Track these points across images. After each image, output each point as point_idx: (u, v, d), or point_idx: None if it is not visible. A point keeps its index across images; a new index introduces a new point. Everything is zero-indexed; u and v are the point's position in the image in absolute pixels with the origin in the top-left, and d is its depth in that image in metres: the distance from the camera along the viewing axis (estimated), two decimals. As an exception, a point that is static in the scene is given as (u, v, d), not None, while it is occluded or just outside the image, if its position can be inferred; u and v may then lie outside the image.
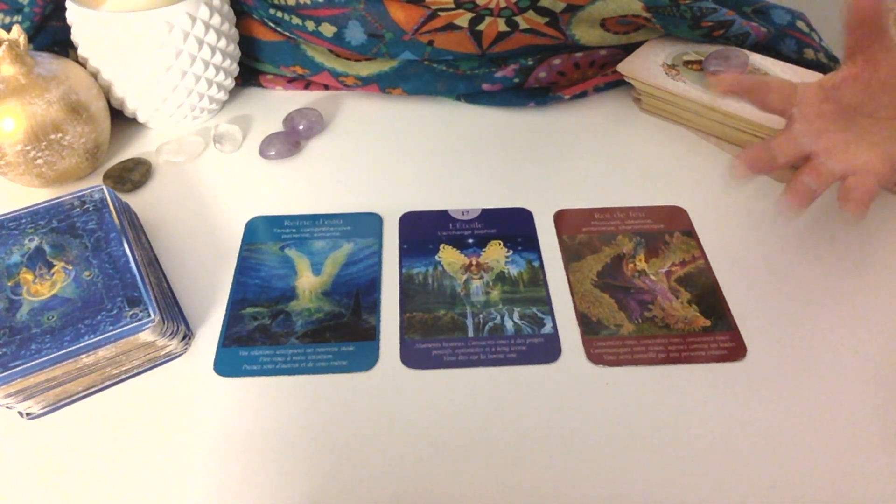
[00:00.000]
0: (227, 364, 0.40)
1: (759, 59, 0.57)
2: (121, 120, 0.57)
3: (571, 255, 0.46)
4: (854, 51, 0.41)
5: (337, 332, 0.41)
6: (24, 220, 0.42)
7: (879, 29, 0.40)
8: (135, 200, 0.51)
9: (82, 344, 0.36)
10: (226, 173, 0.53)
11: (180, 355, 0.41)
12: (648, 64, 0.57)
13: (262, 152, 0.54)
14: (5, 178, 0.49)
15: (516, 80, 0.58)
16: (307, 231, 0.48)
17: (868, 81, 0.41)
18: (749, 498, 0.34)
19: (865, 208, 0.40)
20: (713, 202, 0.50)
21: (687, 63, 0.57)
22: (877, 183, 0.40)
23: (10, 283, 0.39)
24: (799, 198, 0.41)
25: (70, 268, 0.40)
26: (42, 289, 0.39)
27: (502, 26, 0.55)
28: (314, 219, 0.49)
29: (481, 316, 0.42)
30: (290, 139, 0.55)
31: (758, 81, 0.43)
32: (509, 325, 0.42)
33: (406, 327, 0.42)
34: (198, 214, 0.50)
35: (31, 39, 0.54)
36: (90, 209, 0.43)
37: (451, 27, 0.54)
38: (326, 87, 0.62)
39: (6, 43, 0.46)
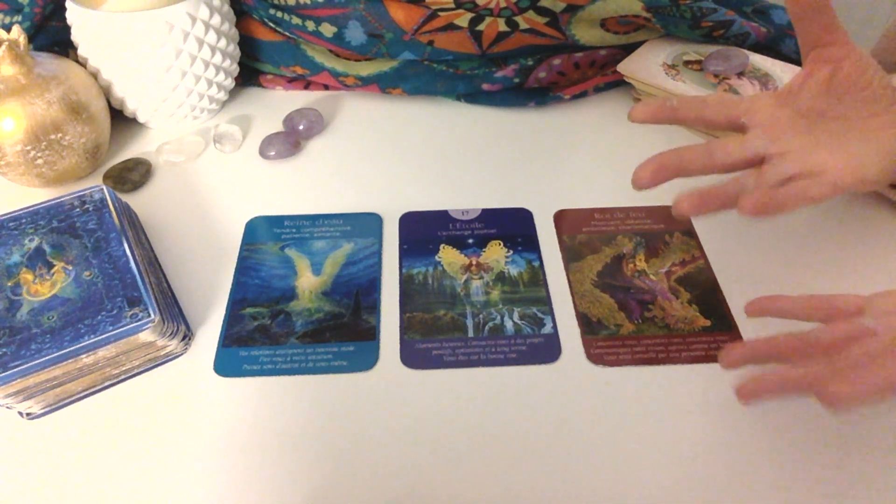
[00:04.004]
0: (227, 364, 0.40)
1: (759, 59, 0.57)
2: (121, 120, 0.57)
3: (571, 255, 0.46)
4: (809, 48, 0.38)
5: (337, 332, 0.41)
6: (24, 220, 0.42)
7: (828, 20, 0.36)
8: (135, 200, 0.51)
9: (82, 344, 0.36)
10: (226, 173, 0.53)
11: (180, 355, 0.41)
12: (648, 64, 0.57)
13: (262, 152, 0.54)
14: (5, 178, 0.49)
15: (516, 80, 0.58)
16: (307, 231, 0.48)
17: (828, 82, 0.37)
18: (749, 498, 0.34)
19: (778, 208, 0.35)
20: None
21: (687, 63, 0.57)
22: (830, 189, 0.35)
23: (10, 283, 0.39)
24: (717, 200, 0.36)
25: (70, 268, 0.40)
26: (42, 289, 0.39)
27: (502, 26, 0.55)
28: (314, 219, 0.49)
29: (481, 316, 0.42)
30: (290, 139, 0.55)
31: (686, 100, 0.39)
32: (509, 325, 0.42)
33: (406, 327, 0.42)
34: (198, 214, 0.50)
35: (31, 39, 0.54)
36: (90, 209, 0.43)
37: (451, 27, 0.54)
38: (326, 87, 0.62)
39: (6, 43, 0.46)
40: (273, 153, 0.54)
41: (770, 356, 0.34)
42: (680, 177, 0.37)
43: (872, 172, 0.36)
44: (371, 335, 0.41)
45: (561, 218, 0.49)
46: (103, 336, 0.36)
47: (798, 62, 0.58)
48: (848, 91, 0.37)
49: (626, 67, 0.57)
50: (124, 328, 0.37)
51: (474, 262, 0.46)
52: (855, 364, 0.30)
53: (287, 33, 0.58)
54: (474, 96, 0.59)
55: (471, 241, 0.47)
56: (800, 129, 0.37)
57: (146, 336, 0.37)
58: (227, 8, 0.56)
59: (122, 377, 0.39)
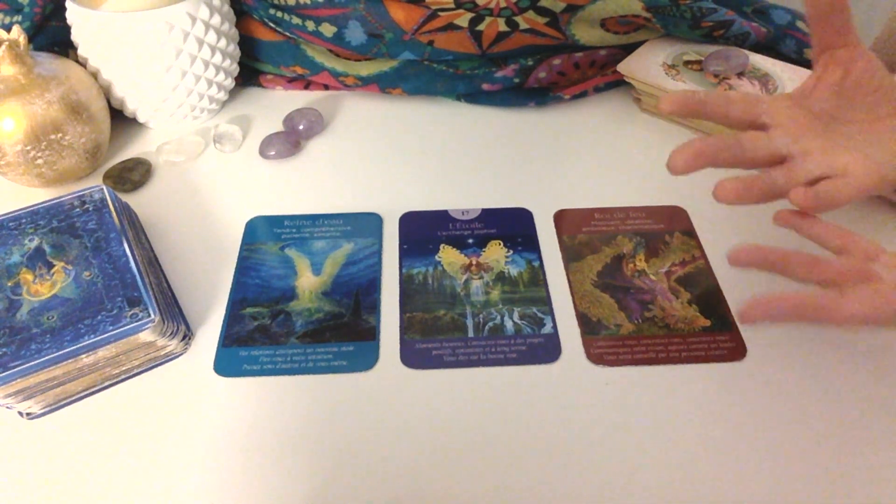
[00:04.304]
0: (227, 364, 0.40)
1: (759, 59, 0.57)
2: (121, 120, 0.57)
3: (571, 255, 0.46)
4: (821, 51, 0.39)
5: (337, 332, 0.41)
6: (24, 220, 0.42)
7: (844, 21, 0.37)
8: (135, 200, 0.51)
9: (82, 344, 0.36)
10: (226, 173, 0.53)
11: (180, 355, 0.41)
12: (648, 64, 0.57)
13: (262, 152, 0.54)
14: (5, 178, 0.49)
15: (516, 80, 0.58)
16: (307, 231, 0.48)
17: (839, 84, 0.38)
18: (749, 498, 0.34)
19: (818, 208, 0.36)
20: (713, 202, 0.49)
21: (687, 63, 0.57)
22: (855, 190, 0.36)
23: (10, 283, 0.39)
24: (756, 191, 0.37)
25: (70, 268, 0.40)
26: (42, 289, 0.39)
27: (502, 26, 0.55)
28: (314, 219, 0.49)
29: (481, 316, 0.42)
30: (290, 139, 0.55)
31: (714, 95, 0.39)
32: (509, 325, 0.42)
33: (406, 327, 0.42)
34: (198, 214, 0.50)
35: (31, 39, 0.54)
36: (90, 209, 0.43)
37: (451, 27, 0.54)
38: (326, 87, 0.62)
39: (6, 43, 0.46)
40: (273, 153, 0.54)
41: (778, 264, 0.36)
42: (712, 166, 0.37)
43: (891, 174, 0.37)
44: (371, 335, 0.41)
45: (561, 218, 0.49)
46: (103, 336, 0.36)
47: (798, 62, 0.58)
48: (858, 94, 0.38)
49: (626, 67, 0.57)
50: (124, 328, 0.37)
51: (474, 262, 0.46)
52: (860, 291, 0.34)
53: (287, 33, 0.58)
54: (474, 96, 0.59)
55: (471, 241, 0.47)
56: (817, 130, 0.38)
57: (146, 336, 0.37)
58: (227, 8, 0.56)
59: (122, 377, 0.39)
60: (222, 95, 0.58)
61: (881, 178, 0.37)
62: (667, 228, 0.48)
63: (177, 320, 0.40)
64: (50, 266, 0.40)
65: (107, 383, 0.39)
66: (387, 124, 0.58)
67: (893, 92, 0.38)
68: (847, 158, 0.37)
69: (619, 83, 0.60)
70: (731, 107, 0.39)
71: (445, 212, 0.50)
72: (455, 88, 0.58)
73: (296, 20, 0.56)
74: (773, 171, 0.37)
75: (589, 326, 0.42)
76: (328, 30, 0.55)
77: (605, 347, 0.40)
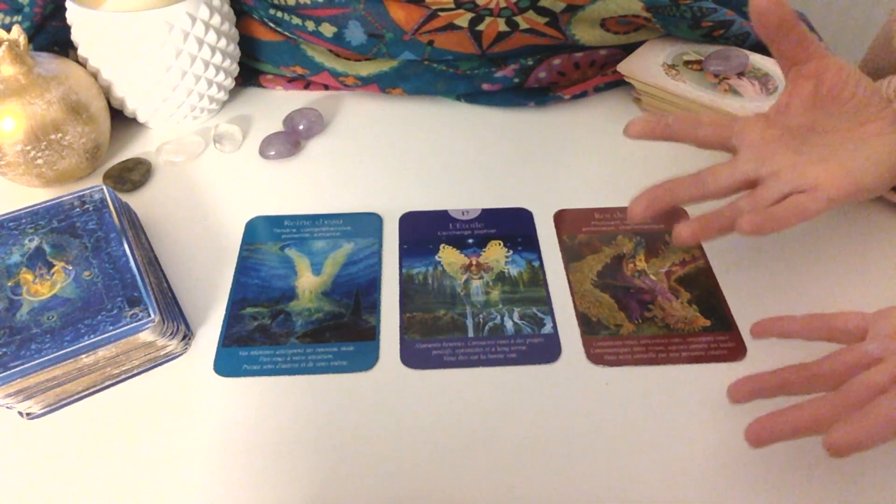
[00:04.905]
0: (227, 364, 0.40)
1: (759, 59, 0.57)
2: (121, 120, 0.57)
3: (571, 255, 0.46)
4: (788, 67, 0.38)
5: (337, 332, 0.41)
6: (24, 220, 0.42)
7: (799, 36, 0.36)
8: (135, 200, 0.51)
9: (82, 344, 0.36)
10: (226, 173, 0.53)
11: (180, 355, 0.41)
12: (648, 64, 0.57)
13: (262, 152, 0.54)
14: (5, 178, 0.50)
15: (516, 80, 0.58)
16: (307, 231, 0.48)
17: (812, 97, 0.38)
18: (749, 497, 0.34)
19: (776, 226, 0.35)
20: (713, 202, 0.50)
21: (687, 63, 0.57)
22: (825, 202, 0.36)
23: (10, 283, 0.39)
24: (717, 227, 0.36)
25: (70, 268, 0.40)
26: (42, 289, 0.39)
27: (502, 26, 0.55)
28: (314, 219, 0.49)
29: (481, 316, 0.42)
30: (290, 139, 0.55)
31: (682, 118, 0.39)
32: (509, 325, 0.42)
33: (406, 327, 0.42)
34: (198, 214, 0.50)
35: (31, 39, 0.54)
36: (90, 209, 0.43)
37: (451, 27, 0.54)
38: (326, 87, 0.62)
39: (6, 43, 0.46)
40: (273, 153, 0.54)
41: (777, 390, 0.33)
42: (674, 206, 0.37)
43: (868, 181, 0.36)
44: (371, 335, 0.41)
45: (561, 218, 0.49)
46: (103, 336, 0.36)
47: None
48: (834, 103, 0.38)
49: (626, 67, 0.57)
50: (124, 328, 0.37)
51: (474, 262, 0.46)
52: (859, 399, 0.30)
53: (287, 33, 0.58)
54: (474, 96, 0.59)
55: (471, 241, 0.47)
56: (791, 147, 0.38)
57: (146, 336, 0.37)
58: (227, 8, 0.56)
59: (122, 377, 0.39)
60: (222, 95, 0.58)
61: (856, 187, 0.36)
62: (667, 228, 0.48)
63: (177, 320, 0.40)
64: (50, 266, 0.40)
65: (107, 383, 0.39)
66: (387, 124, 0.58)
67: (874, 96, 0.38)
68: (818, 171, 0.36)
69: (619, 83, 0.60)
70: (701, 129, 0.39)
71: (445, 212, 0.50)
72: (455, 88, 0.58)
73: (296, 20, 0.56)
74: (738, 202, 0.37)
75: (589, 326, 0.42)
76: (328, 30, 0.55)
77: (605, 347, 0.40)
